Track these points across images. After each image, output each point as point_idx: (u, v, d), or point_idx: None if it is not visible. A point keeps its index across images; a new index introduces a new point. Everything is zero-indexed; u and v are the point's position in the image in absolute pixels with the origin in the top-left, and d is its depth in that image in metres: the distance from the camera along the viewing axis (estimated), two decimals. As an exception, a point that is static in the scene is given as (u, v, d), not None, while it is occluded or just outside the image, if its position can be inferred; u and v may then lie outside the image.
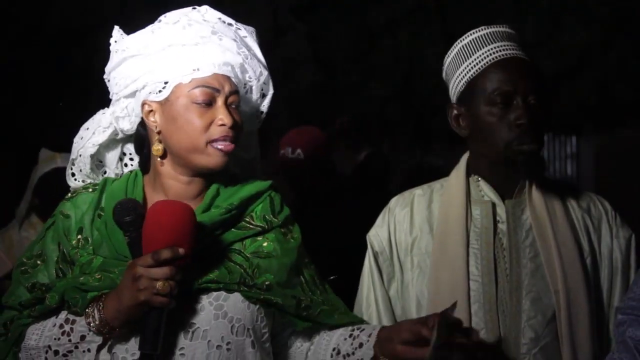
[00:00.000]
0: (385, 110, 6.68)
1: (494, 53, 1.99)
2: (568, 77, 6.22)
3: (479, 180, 2.05)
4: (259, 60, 1.86)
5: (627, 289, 1.96)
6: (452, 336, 1.64)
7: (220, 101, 1.75)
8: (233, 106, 1.77)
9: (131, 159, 1.92)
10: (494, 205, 2.01)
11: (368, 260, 2.08)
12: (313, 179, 3.49)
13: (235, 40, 1.81)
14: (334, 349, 1.81)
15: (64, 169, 1.92)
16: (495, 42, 2.01)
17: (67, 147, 1.93)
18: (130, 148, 1.91)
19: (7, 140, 5.46)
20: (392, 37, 6.42)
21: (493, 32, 2.03)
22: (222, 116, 1.73)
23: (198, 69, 1.75)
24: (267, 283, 1.74)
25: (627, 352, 1.79)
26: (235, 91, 1.78)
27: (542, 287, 1.95)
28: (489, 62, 1.98)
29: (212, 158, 1.74)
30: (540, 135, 1.96)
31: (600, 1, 6.03)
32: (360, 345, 1.77)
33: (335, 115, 5.81)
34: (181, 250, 1.59)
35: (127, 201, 1.70)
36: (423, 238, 2.03)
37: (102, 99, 1.93)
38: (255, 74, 1.85)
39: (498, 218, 2.01)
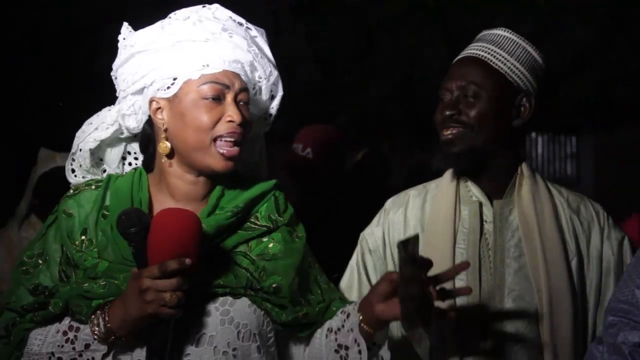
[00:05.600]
0: (385, 110, 6.67)
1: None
2: (567, 77, 6.21)
3: (467, 181, 2.06)
4: (269, 60, 1.84)
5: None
6: (417, 269, 1.62)
7: (229, 98, 1.73)
8: (242, 103, 1.75)
9: (135, 158, 1.88)
10: (481, 205, 2.03)
11: (356, 257, 2.10)
12: (319, 179, 3.42)
13: (245, 39, 1.79)
14: (328, 329, 1.80)
15: (63, 169, 1.88)
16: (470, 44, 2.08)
17: (66, 147, 1.89)
18: (134, 147, 1.87)
19: (7, 139, 5.46)
20: (391, 36, 6.41)
21: (479, 37, 2.10)
22: (231, 112, 1.71)
23: (208, 65, 1.72)
24: (274, 285, 1.72)
25: (620, 356, 1.78)
26: (245, 88, 1.76)
27: (525, 286, 1.97)
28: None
29: (214, 159, 1.72)
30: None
31: (600, 1, 6.02)
32: (348, 315, 1.76)
33: (335, 114, 5.81)
34: (188, 261, 1.56)
35: (132, 211, 1.66)
36: (415, 238, 2.05)
37: (103, 98, 1.91)
38: (265, 74, 1.83)
39: (485, 218, 2.02)
